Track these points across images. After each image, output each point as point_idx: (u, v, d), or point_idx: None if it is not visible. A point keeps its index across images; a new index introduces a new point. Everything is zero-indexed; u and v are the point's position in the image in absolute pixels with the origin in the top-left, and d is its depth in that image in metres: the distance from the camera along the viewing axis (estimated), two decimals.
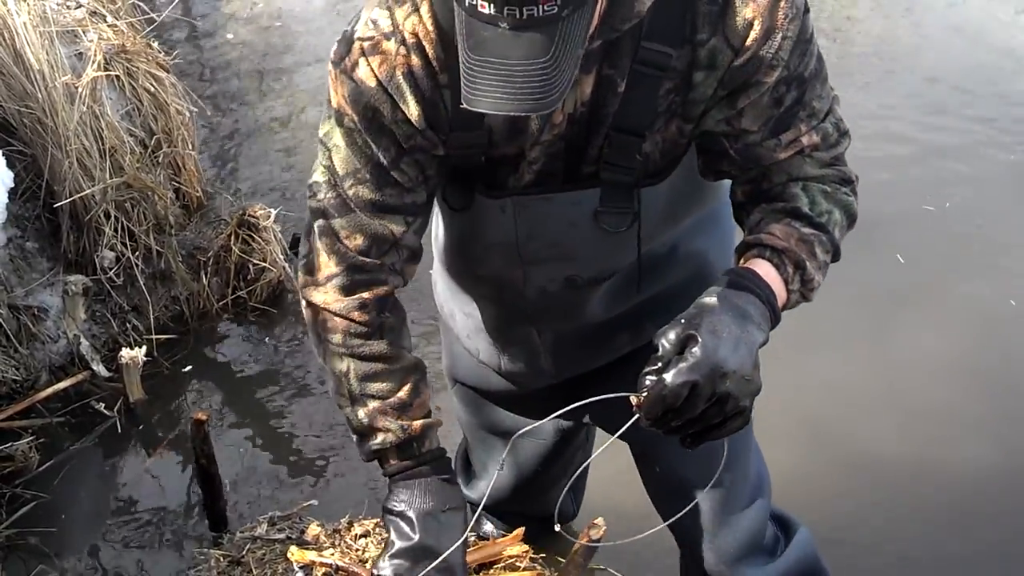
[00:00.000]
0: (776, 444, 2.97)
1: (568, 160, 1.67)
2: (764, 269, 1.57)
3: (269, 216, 3.66)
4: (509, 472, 2.35)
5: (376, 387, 1.77)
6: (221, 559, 2.26)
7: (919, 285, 3.61)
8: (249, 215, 3.63)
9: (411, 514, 1.78)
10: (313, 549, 2.17)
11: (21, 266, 3.38)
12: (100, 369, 3.37)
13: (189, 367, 3.51)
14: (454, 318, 2.11)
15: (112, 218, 3.46)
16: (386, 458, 1.81)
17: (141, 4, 4.03)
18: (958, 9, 5.19)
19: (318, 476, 3.13)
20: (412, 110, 1.60)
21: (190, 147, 3.79)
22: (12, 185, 3.29)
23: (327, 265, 1.72)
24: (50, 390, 3.27)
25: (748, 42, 1.53)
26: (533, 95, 1.35)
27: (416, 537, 1.78)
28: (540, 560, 2.18)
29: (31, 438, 3.16)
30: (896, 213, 3.91)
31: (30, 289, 3.35)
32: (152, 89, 3.63)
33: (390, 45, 1.57)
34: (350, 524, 2.26)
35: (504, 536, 2.18)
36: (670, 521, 1.90)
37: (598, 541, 2.15)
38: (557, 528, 1.73)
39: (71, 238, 3.46)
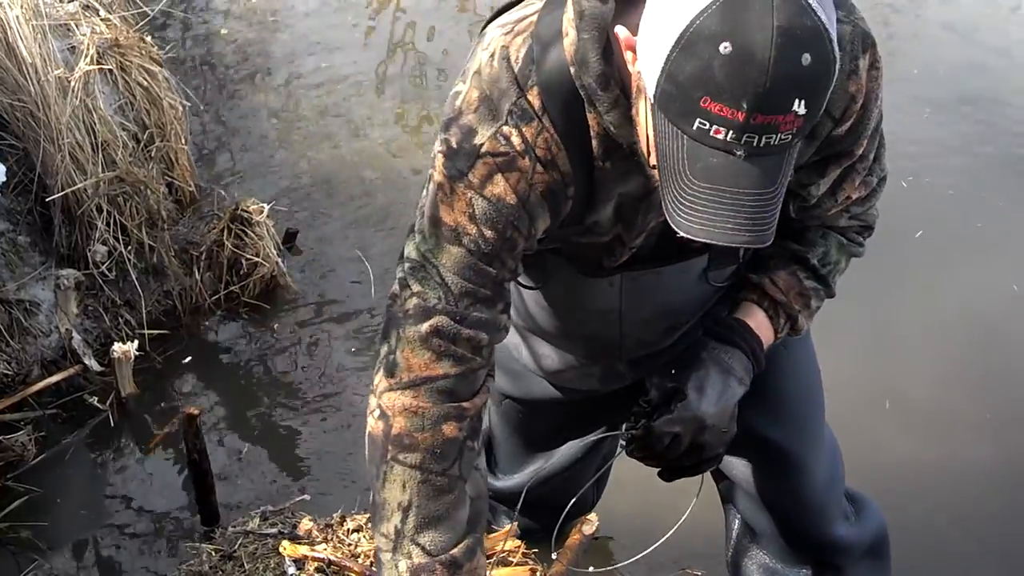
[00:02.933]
0: None
1: (668, 242, 1.59)
2: (758, 320, 1.71)
3: (262, 211, 3.65)
4: (535, 465, 2.34)
5: (431, 537, 1.57)
6: (213, 553, 2.27)
7: (917, 282, 3.61)
8: (242, 210, 3.63)
9: None
10: (305, 544, 2.18)
11: (13, 260, 3.37)
12: (92, 363, 3.36)
13: (186, 359, 3.50)
14: (518, 350, 2.04)
15: (104, 212, 3.45)
16: None
17: None
18: (952, 5, 5.19)
19: (310, 471, 3.13)
20: (542, 225, 1.55)
21: (183, 141, 3.77)
22: (4, 179, 3.28)
23: (426, 366, 1.56)
24: (42, 384, 3.26)
25: (848, 114, 1.54)
26: (758, 226, 1.29)
27: None
28: (532, 555, 2.18)
29: (29, 430, 3.15)
30: (889, 208, 3.89)
31: (22, 283, 3.34)
32: (145, 83, 3.62)
33: (526, 163, 1.50)
34: (342, 519, 2.27)
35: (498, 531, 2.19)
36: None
37: (593, 536, 2.17)
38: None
39: (63, 232, 3.45)
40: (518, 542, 2.18)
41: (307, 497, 2.60)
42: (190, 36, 4.98)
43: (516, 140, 1.49)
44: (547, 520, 2.37)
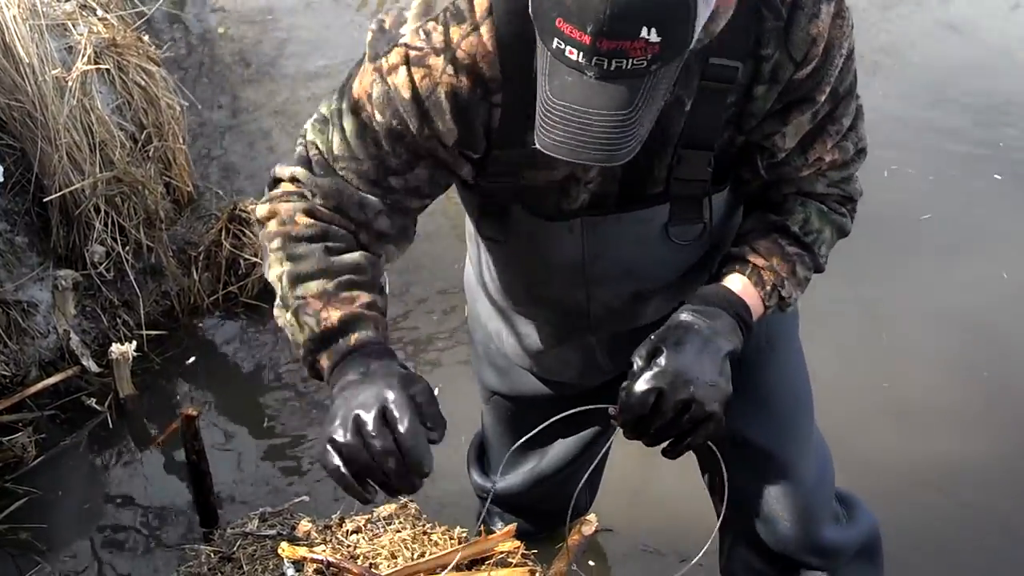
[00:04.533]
0: None
1: (627, 181, 1.66)
2: (742, 286, 1.66)
3: None
4: (528, 477, 2.34)
5: (304, 287, 1.59)
6: (212, 555, 2.26)
7: (913, 278, 3.61)
8: (240, 210, 3.62)
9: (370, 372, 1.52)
10: (304, 545, 2.17)
11: (10, 261, 3.36)
12: (90, 364, 3.36)
13: (189, 360, 3.50)
14: (500, 336, 2.08)
15: (102, 212, 3.44)
16: (318, 364, 1.57)
17: None
18: (952, 5, 5.19)
19: (309, 472, 3.12)
20: (445, 128, 1.56)
21: (181, 141, 3.77)
22: (1, 179, 3.27)
23: (282, 193, 1.66)
24: (40, 385, 3.25)
25: (809, 57, 1.55)
26: (609, 146, 1.34)
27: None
28: (532, 556, 2.18)
29: (30, 431, 3.14)
30: (888, 208, 3.90)
31: (20, 284, 3.33)
32: (143, 83, 3.61)
33: (438, 61, 1.52)
34: (341, 520, 2.26)
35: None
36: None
37: (593, 536, 2.16)
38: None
39: (61, 233, 3.45)
40: (517, 543, 2.17)
41: (306, 498, 2.58)
42: (188, 35, 4.97)
43: (437, 37, 1.52)
44: (543, 522, 2.37)
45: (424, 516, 2.26)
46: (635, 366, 1.54)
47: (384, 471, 1.43)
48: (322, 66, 4.74)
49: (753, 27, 1.53)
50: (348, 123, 1.61)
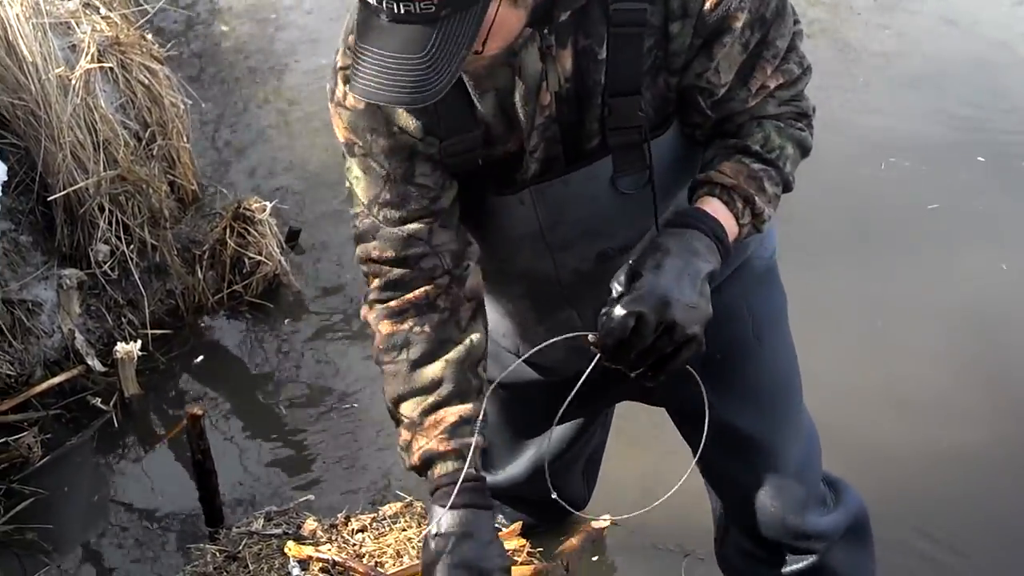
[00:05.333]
0: None
1: (567, 141, 1.68)
2: (713, 206, 1.63)
3: (265, 209, 3.63)
4: (523, 467, 2.33)
5: (401, 409, 1.76)
6: (217, 554, 2.26)
7: (917, 274, 3.59)
8: (244, 208, 3.61)
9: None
10: (310, 544, 2.17)
11: (15, 260, 3.36)
12: (95, 364, 3.35)
13: (197, 359, 3.50)
14: (499, 320, 2.08)
15: (106, 211, 3.44)
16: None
17: None
18: (953, 0, 5.18)
19: (315, 471, 3.11)
20: (407, 122, 1.65)
21: (185, 140, 3.76)
22: (5, 178, 3.27)
23: (369, 286, 1.78)
24: (45, 385, 3.25)
25: None
26: (406, 89, 1.40)
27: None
28: (537, 554, 2.17)
29: (35, 431, 3.14)
30: (890, 203, 3.91)
31: (24, 283, 3.33)
32: (146, 81, 3.60)
33: None
34: (347, 519, 2.26)
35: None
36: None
37: (602, 531, 2.16)
38: (555, 495, 1.80)
39: (65, 232, 3.44)
40: (523, 541, 2.17)
41: (311, 497, 2.58)
42: (191, 33, 4.97)
43: None
44: (547, 515, 2.36)
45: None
46: (614, 291, 1.52)
47: None
48: (326, 63, 4.72)
49: None
50: (355, 168, 1.71)
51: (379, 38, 1.40)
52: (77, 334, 3.35)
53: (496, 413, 2.29)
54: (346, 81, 1.61)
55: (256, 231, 3.60)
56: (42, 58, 3.27)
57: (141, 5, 3.98)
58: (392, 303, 1.75)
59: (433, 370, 1.74)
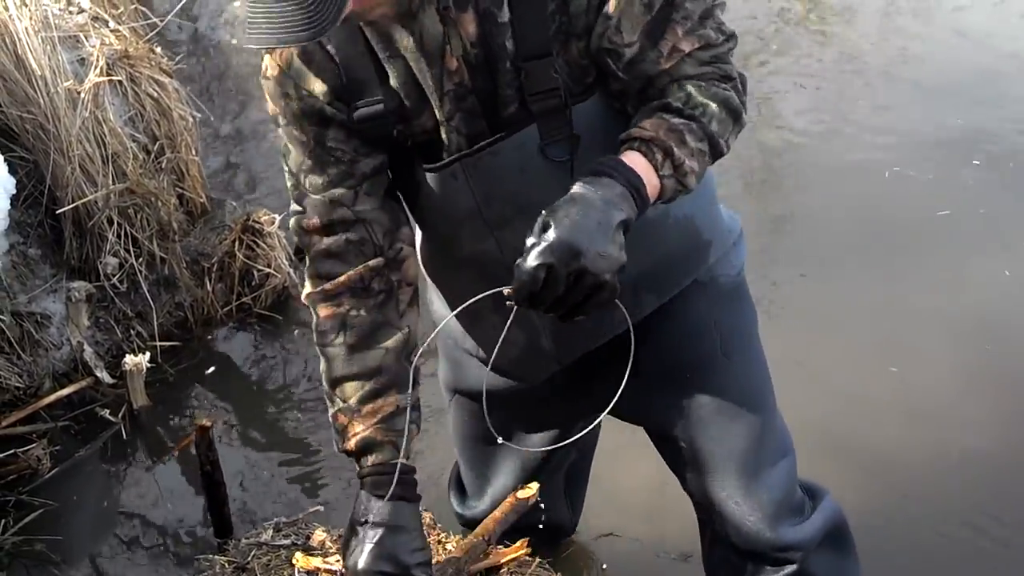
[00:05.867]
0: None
1: (487, 111, 1.72)
2: (631, 158, 1.61)
3: (273, 222, 3.64)
4: (503, 485, 2.33)
5: (339, 391, 1.83)
6: (226, 565, 2.25)
7: (926, 287, 3.59)
8: (253, 220, 3.62)
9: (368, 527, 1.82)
10: (318, 555, 2.16)
11: (24, 273, 3.36)
12: (104, 376, 3.36)
13: (209, 371, 3.50)
14: (449, 324, 2.09)
15: (115, 224, 3.44)
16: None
17: (144, 9, 4.02)
18: (964, 13, 5.18)
19: (324, 482, 3.11)
20: (316, 87, 1.73)
21: (193, 152, 3.77)
22: (14, 191, 3.27)
23: (304, 265, 1.85)
24: (53, 397, 3.26)
25: None
26: (297, 27, 1.46)
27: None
28: (546, 563, 2.17)
29: (44, 443, 3.14)
30: (900, 215, 3.91)
31: (33, 296, 3.34)
32: (155, 94, 3.61)
33: None
34: None
35: (506, 547, 2.16)
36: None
37: (527, 500, 2.15)
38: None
39: (74, 244, 3.45)
40: (527, 551, 2.16)
41: (320, 508, 2.58)
42: (200, 46, 4.98)
43: None
44: (535, 538, 2.35)
45: (439, 525, 2.25)
46: (528, 243, 1.52)
47: None
48: None
49: None
50: (282, 138, 1.81)
51: None
52: (86, 346, 3.35)
53: (463, 425, 2.32)
54: (268, 52, 1.74)
55: (265, 243, 3.60)
56: (51, 71, 3.28)
57: (150, 18, 3.98)
58: (327, 286, 1.80)
59: (372, 357, 1.80)
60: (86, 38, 3.52)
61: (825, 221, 3.92)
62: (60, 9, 3.56)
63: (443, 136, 1.74)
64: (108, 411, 3.31)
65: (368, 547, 1.77)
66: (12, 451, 3.11)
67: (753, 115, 4.53)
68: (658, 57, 1.67)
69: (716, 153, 1.70)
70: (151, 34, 3.91)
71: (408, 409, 1.82)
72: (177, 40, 4.87)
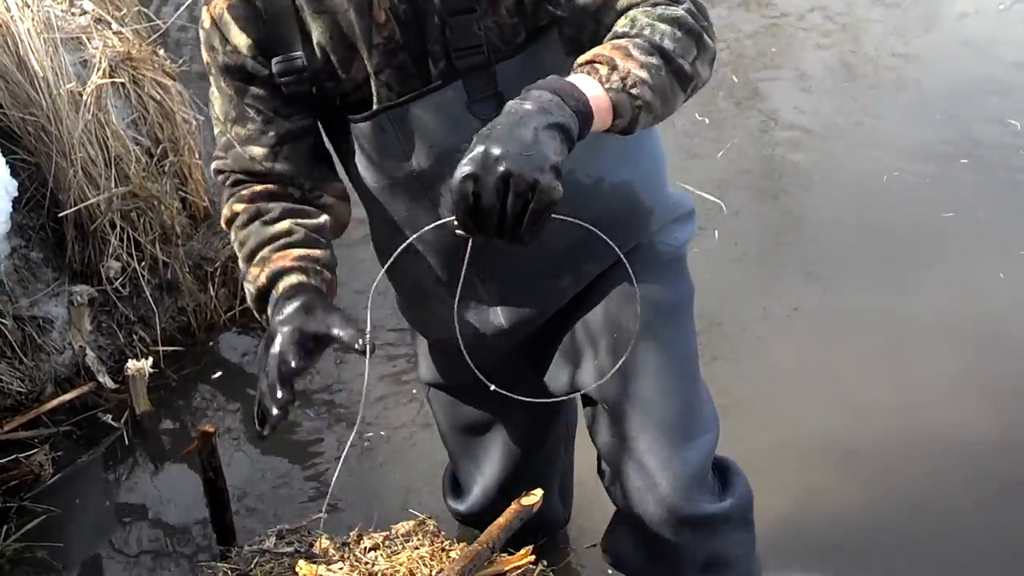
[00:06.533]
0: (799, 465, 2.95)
1: (419, 71, 1.73)
2: (572, 78, 1.56)
3: None
4: (493, 475, 2.33)
5: (256, 261, 1.82)
6: (229, 572, 2.24)
7: (931, 297, 3.56)
8: None
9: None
10: (322, 562, 2.15)
11: (26, 276, 3.35)
12: (106, 381, 3.34)
13: (216, 375, 3.49)
14: (407, 310, 2.16)
15: (118, 228, 3.43)
16: (266, 319, 1.81)
17: (147, 11, 4.01)
18: (969, 21, 5.17)
19: (327, 489, 3.09)
20: (239, 40, 1.77)
21: (197, 156, 3.75)
22: (16, 194, 3.25)
23: (224, 193, 1.90)
24: (55, 401, 3.24)
25: None
26: None
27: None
28: (551, 571, 2.15)
29: (47, 449, 3.12)
30: (905, 223, 3.90)
31: (35, 300, 3.32)
32: (158, 97, 3.60)
33: None
34: (359, 537, 2.24)
35: (510, 555, 2.14)
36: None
37: (531, 507, 2.13)
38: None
39: (76, 248, 3.43)
40: (532, 558, 2.14)
41: (324, 515, 2.56)
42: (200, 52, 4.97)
43: None
44: (529, 537, 2.33)
45: (443, 533, 2.23)
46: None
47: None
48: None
49: None
50: (212, 86, 1.86)
51: None
52: (88, 351, 3.34)
53: (444, 419, 2.35)
54: (206, 2, 1.79)
55: None
56: (53, 73, 3.27)
57: (153, 20, 3.97)
58: (244, 191, 1.85)
59: (285, 224, 1.82)
60: (89, 40, 3.50)
61: (828, 228, 3.92)
62: (63, 11, 3.54)
63: (373, 89, 1.76)
64: (110, 416, 3.29)
65: (290, 317, 1.70)
66: (14, 456, 3.08)
67: (755, 120, 4.53)
68: None
69: (676, 71, 1.61)
70: (154, 36, 3.90)
71: (321, 261, 1.80)
72: (181, 42, 4.86)
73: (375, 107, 1.78)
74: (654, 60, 1.58)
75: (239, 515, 2.92)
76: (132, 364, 3.21)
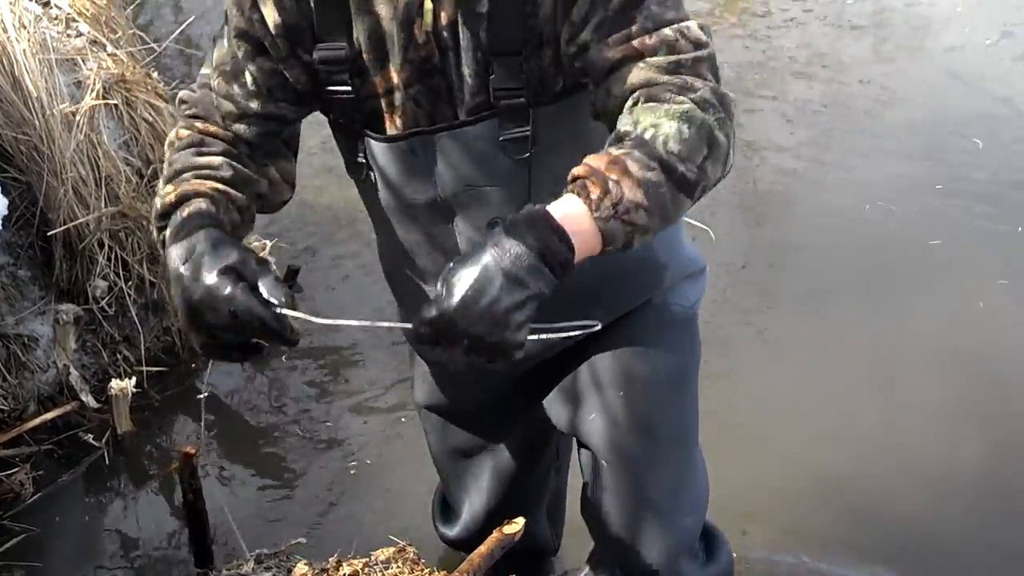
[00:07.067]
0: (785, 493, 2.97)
1: (451, 98, 1.70)
2: (563, 206, 1.47)
3: (264, 248, 3.63)
4: (481, 499, 2.33)
5: (173, 182, 1.73)
6: None
7: (921, 326, 3.59)
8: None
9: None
10: None
11: (12, 294, 3.34)
12: (89, 400, 3.33)
13: (192, 398, 3.47)
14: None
15: (106, 247, 3.43)
16: (162, 239, 1.70)
17: (142, 34, 4.02)
18: (956, 54, 5.21)
19: (308, 514, 3.09)
20: (269, 14, 1.70)
21: None
22: (6, 212, 3.26)
23: (179, 119, 1.84)
24: (38, 420, 3.22)
25: None
26: None
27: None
28: None
29: (28, 468, 3.11)
30: (889, 253, 3.94)
31: (21, 318, 3.32)
32: (150, 118, 3.61)
33: None
34: (339, 563, 2.23)
35: None
36: None
37: (513, 536, 2.13)
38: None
39: (64, 267, 3.43)
40: None
41: (303, 540, 2.56)
42: (196, 72, 4.99)
43: None
44: (521, 564, 2.34)
45: (423, 561, 2.23)
46: (431, 297, 1.45)
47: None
48: None
49: None
50: (222, 34, 1.79)
51: None
52: (72, 369, 3.33)
53: (435, 441, 2.33)
54: None
55: None
56: (47, 94, 3.28)
57: (148, 43, 3.99)
58: (197, 123, 1.80)
59: (218, 160, 1.75)
60: (83, 61, 3.52)
61: (812, 255, 3.95)
62: (58, 32, 3.56)
63: (396, 101, 1.72)
64: (92, 436, 3.28)
65: (195, 265, 1.56)
66: None
67: (740, 149, 4.56)
68: (604, 47, 1.57)
69: (679, 181, 1.50)
70: (149, 59, 3.92)
71: (236, 203, 1.72)
72: (175, 65, 4.88)
73: (399, 119, 1.74)
74: (653, 176, 1.48)
75: (218, 538, 2.92)
76: (115, 384, 3.21)
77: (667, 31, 1.57)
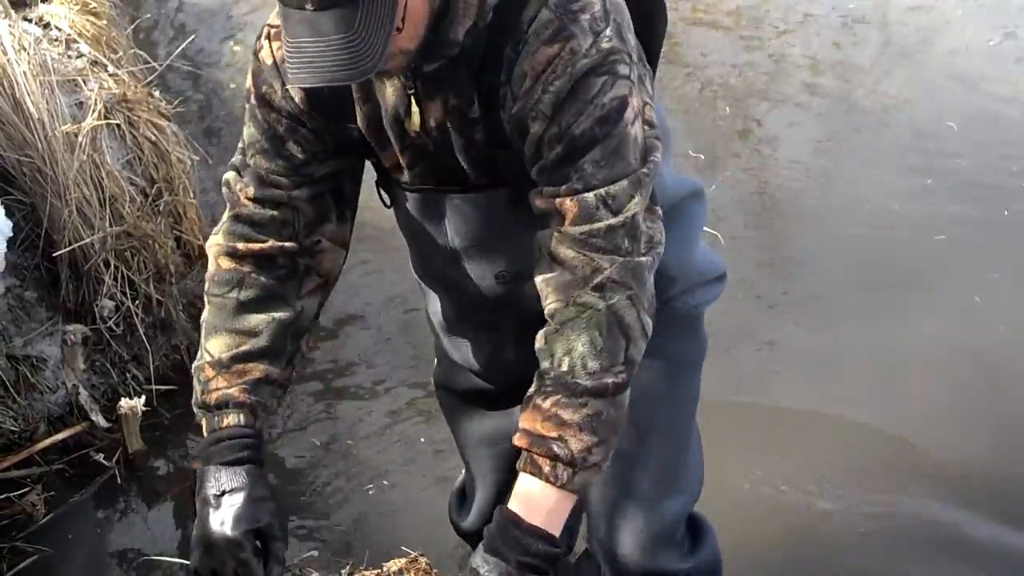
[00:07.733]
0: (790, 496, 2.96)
1: (454, 176, 1.76)
2: (524, 494, 1.61)
3: None
4: (489, 492, 2.33)
5: (211, 342, 1.80)
6: None
7: (924, 331, 3.58)
8: None
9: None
10: None
11: (20, 316, 3.35)
12: (99, 419, 3.33)
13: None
14: (432, 320, 2.16)
15: (112, 267, 3.43)
16: (200, 420, 1.82)
17: (143, 53, 4.04)
18: (959, 56, 5.20)
19: (319, 528, 3.08)
20: (295, 92, 1.75)
21: (191, 195, 3.77)
22: (11, 234, 3.27)
23: (224, 217, 1.85)
24: (48, 441, 3.23)
25: (521, 92, 1.61)
26: (346, 64, 1.49)
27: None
28: None
29: (39, 488, 3.12)
30: (896, 253, 3.94)
31: (29, 339, 3.32)
32: (153, 138, 3.62)
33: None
34: (351, 574, 2.23)
35: None
36: None
37: None
38: None
39: (70, 287, 3.44)
40: None
41: (315, 553, 2.56)
42: (198, 90, 5.00)
43: None
44: None
45: (436, 571, 2.23)
46: None
47: None
48: None
49: (506, 49, 1.63)
50: (247, 114, 1.82)
51: (309, 29, 1.49)
52: (81, 390, 3.34)
53: (449, 417, 2.34)
54: (268, 36, 1.76)
55: None
56: (49, 115, 3.29)
57: (149, 63, 4.00)
58: (239, 246, 1.80)
59: (258, 320, 1.79)
60: (85, 82, 3.53)
61: (822, 257, 3.94)
62: (59, 53, 3.57)
63: (406, 176, 1.80)
64: (103, 455, 3.28)
65: (231, 512, 1.71)
66: (6, 496, 3.08)
67: (748, 153, 4.57)
68: (537, 194, 1.66)
69: (614, 388, 1.62)
70: (150, 78, 3.93)
71: (275, 384, 1.81)
72: (176, 84, 4.89)
73: (414, 181, 1.81)
74: (588, 411, 1.60)
75: None
76: (125, 403, 3.21)
77: (589, 197, 1.61)
